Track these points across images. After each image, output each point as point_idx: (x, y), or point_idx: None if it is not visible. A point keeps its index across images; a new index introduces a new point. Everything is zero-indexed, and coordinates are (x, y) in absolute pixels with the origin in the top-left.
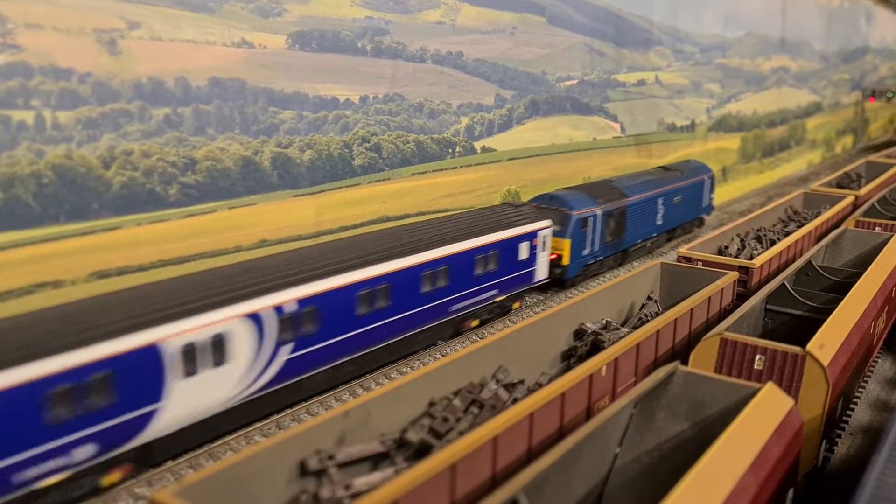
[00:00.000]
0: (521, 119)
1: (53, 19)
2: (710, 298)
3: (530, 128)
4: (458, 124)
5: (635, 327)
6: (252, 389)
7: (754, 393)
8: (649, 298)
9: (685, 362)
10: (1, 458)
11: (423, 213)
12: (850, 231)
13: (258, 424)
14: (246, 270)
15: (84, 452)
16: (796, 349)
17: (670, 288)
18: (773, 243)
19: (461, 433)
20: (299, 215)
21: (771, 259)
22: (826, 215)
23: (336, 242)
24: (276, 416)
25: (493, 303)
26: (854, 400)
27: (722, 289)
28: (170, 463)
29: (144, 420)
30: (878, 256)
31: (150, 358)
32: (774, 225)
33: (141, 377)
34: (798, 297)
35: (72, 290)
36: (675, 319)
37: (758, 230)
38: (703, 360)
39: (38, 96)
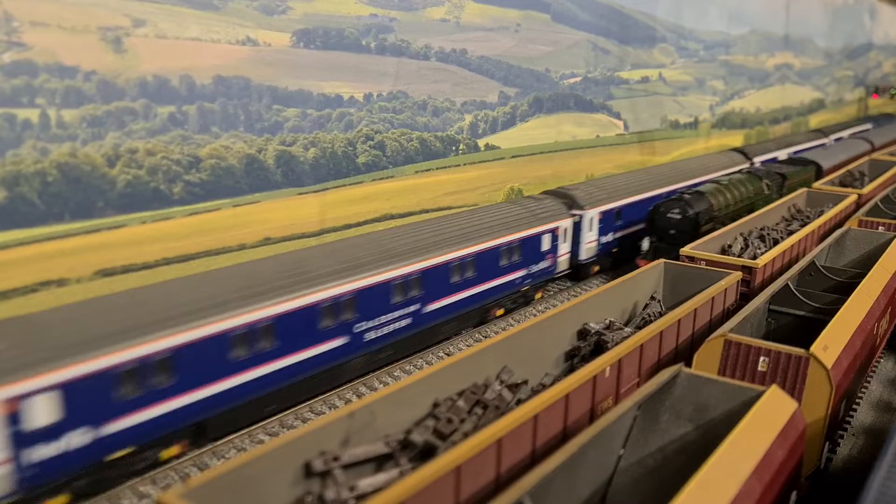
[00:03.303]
0: (524, 116)
1: (59, 17)
2: (713, 299)
3: (534, 125)
4: (462, 122)
5: (639, 327)
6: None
7: (758, 395)
8: (652, 298)
9: (688, 363)
10: None
11: (427, 211)
12: (853, 230)
13: (262, 423)
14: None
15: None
16: (800, 351)
17: (673, 287)
18: (776, 242)
19: (465, 434)
20: (303, 213)
21: (774, 258)
22: (829, 214)
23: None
24: (279, 416)
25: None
26: (857, 401)
27: (725, 289)
28: (174, 462)
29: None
30: (882, 257)
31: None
32: (777, 224)
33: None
34: (801, 297)
35: (76, 289)
36: (679, 320)
37: (761, 229)
38: (706, 362)
39: (43, 94)
